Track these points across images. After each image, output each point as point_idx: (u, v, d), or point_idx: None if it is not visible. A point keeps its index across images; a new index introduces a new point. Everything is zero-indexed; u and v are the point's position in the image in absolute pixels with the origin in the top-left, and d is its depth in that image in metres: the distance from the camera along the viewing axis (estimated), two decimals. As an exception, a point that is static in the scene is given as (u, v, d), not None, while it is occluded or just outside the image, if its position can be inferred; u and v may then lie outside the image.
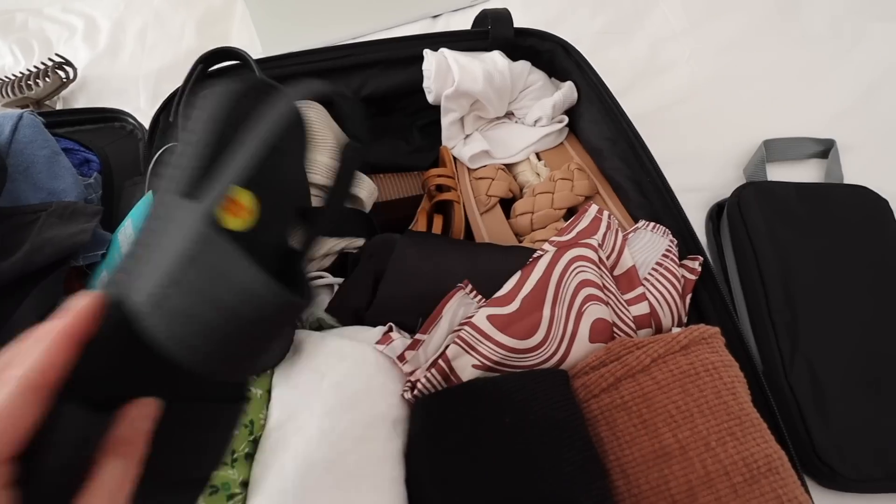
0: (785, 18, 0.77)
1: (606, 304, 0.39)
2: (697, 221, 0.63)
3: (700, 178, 0.65)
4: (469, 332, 0.38)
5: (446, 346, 0.38)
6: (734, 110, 0.70)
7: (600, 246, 0.41)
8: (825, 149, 0.66)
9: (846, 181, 0.65)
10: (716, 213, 0.62)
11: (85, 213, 0.48)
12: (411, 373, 0.38)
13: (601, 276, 0.40)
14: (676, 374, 0.34)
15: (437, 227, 0.51)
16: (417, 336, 0.38)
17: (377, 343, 0.38)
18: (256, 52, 0.75)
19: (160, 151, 0.42)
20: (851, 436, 0.48)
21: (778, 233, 0.58)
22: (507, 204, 0.52)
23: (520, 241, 0.50)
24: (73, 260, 0.46)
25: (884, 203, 0.62)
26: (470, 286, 0.40)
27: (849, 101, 0.71)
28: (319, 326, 0.44)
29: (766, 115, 0.70)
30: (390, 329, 0.40)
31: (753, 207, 0.59)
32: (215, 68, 0.51)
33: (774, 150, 0.65)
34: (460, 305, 0.40)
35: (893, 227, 0.60)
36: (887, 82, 0.72)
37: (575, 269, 0.40)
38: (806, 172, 0.67)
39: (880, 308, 0.54)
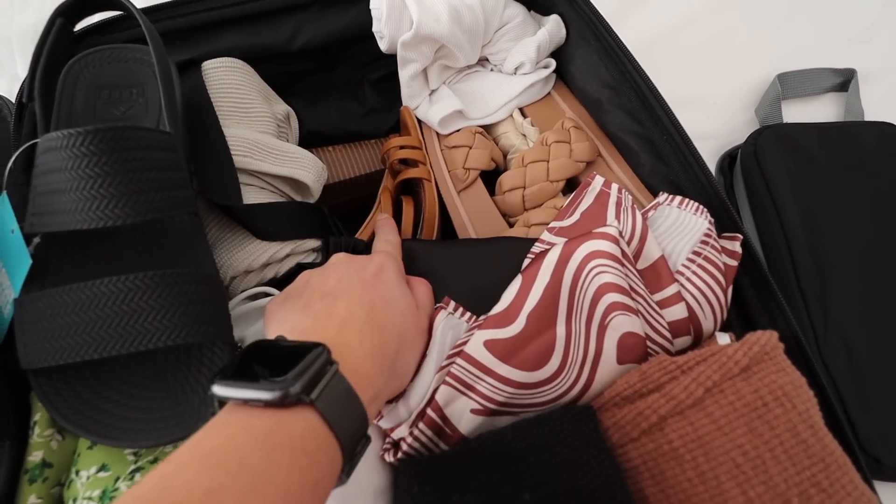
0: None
1: (636, 312, 0.30)
2: (706, 176, 0.54)
3: (705, 123, 0.56)
4: (462, 367, 0.29)
5: (435, 389, 0.28)
6: (738, 39, 0.60)
7: (621, 234, 0.32)
8: (844, 80, 0.58)
9: (867, 117, 0.57)
10: (728, 165, 0.54)
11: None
12: (392, 429, 0.28)
13: (626, 275, 0.31)
14: (739, 409, 0.26)
15: (408, 213, 0.41)
16: None
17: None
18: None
19: (19, 151, 0.30)
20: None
21: (801, 186, 0.50)
22: (489, 176, 0.42)
23: (510, 224, 0.40)
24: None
25: (912, 141, 0.54)
26: (453, 303, 0.31)
27: (866, 20, 0.62)
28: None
29: (774, 42, 0.60)
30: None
31: (773, 157, 0.51)
32: (87, 25, 0.38)
33: (790, 84, 0.56)
34: (447, 330, 0.30)
35: (925, 169, 0.53)
36: (906, -3, 0.63)
37: (592, 269, 0.31)
38: (822, 110, 0.58)
39: (917, 265, 0.48)
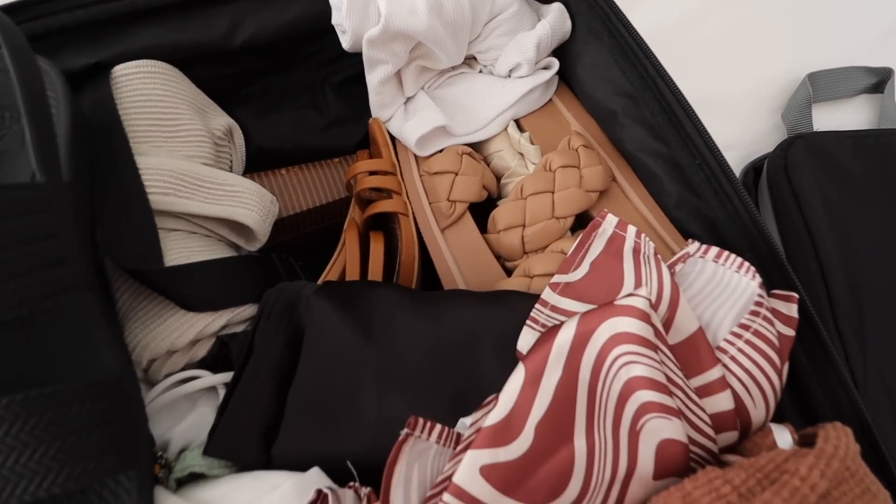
0: None
1: (677, 413, 0.23)
2: (726, 192, 0.47)
3: (725, 131, 0.48)
4: None
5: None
6: (760, 32, 0.53)
7: (653, 306, 0.25)
8: (879, 80, 0.51)
9: (902, 120, 0.50)
10: (752, 179, 0.47)
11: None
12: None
13: (661, 364, 0.23)
14: (825, 558, 0.19)
15: (377, 255, 0.33)
16: None
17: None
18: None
19: None
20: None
21: (837, 205, 0.43)
22: (480, 207, 0.34)
23: (506, 271, 0.32)
24: None
25: (956, 152, 0.48)
26: (421, 423, 0.23)
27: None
28: (198, 477, 0.26)
29: (800, 36, 0.53)
30: (319, 500, 0.23)
31: (804, 172, 0.44)
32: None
33: (821, 85, 0.49)
34: (413, 462, 0.23)
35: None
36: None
37: (617, 357, 0.23)
38: (853, 115, 0.52)
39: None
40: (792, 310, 0.28)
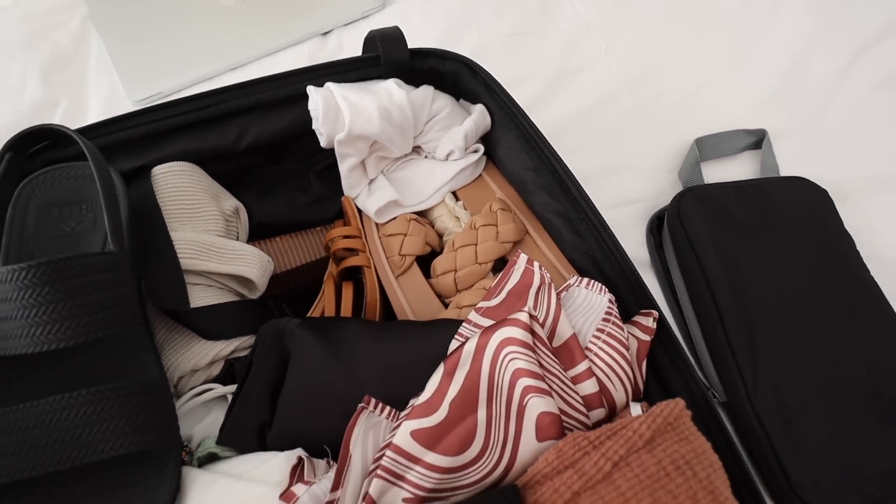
0: (697, 1, 0.73)
1: (549, 393, 0.32)
2: (637, 238, 0.58)
3: (634, 188, 0.60)
4: (392, 458, 0.30)
5: (368, 485, 0.30)
6: (659, 107, 0.66)
7: (534, 318, 0.35)
8: (757, 139, 0.63)
9: (781, 171, 0.62)
10: (656, 226, 0.58)
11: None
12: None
13: (537, 360, 0.33)
14: (643, 480, 0.28)
15: (347, 299, 0.43)
16: (330, 496, 0.30)
17: (281, 499, 0.30)
18: (120, 96, 0.64)
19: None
20: (827, 465, 0.44)
21: (724, 243, 0.53)
22: (428, 259, 0.45)
23: (444, 305, 0.43)
24: None
25: (822, 192, 0.59)
26: (373, 402, 0.33)
27: (773, 83, 0.68)
28: (214, 458, 0.35)
29: (693, 111, 0.66)
30: (300, 464, 0.32)
31: (694, 218, 0.54)
32: (38, 148, 0.41)
33: (707, 147, 0.61)
34: (367, 431, 0.32)
35: (836, 218, 0.58)
36: (804, 61, 0.69)
37: (506, 355, 0.33)
38: (740, 167, 0.63)
39: (835, 312, 0.51)
40: (650, 322, 0.38)
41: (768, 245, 0.54)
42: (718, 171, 0.62)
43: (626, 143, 0.62)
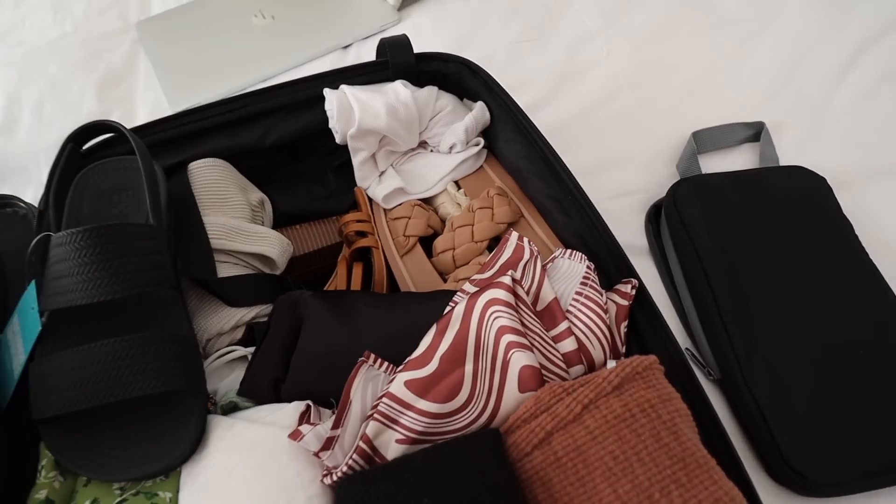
0: (698, 4, 0.76)
1: (530, 348, 0.36)
2: (637, 226, 0.60)
3: (634, 180, 0.63)
4: (387, 404, 0.34)
5: (366, 427, 0.34)
6: (660, 105, 0.68)
7: (517, 282, 0.38)
8: (756, 132, 0.65)
9: (782, 162, 0.63)
10: (654, 215, 0.60)
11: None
12: (334, 466, 0.34)
13: (519, 318, 0.37)
14: (610, 420, 0.31)
15: (357, 276, 0.48)
16: (330, 433, 0.34)
17: (289, 437, 0.34)
18: (164, 108, 0.72)
19: (33, 242, 0.38)
20: (820, 437, 0.46)
21: (719, 228, 0.56)
22: (430, 241, 0.49)
23: (445, 281, 0.47)
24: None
25: (820, 180, 0.60)
26: (373, 357, 0.37)
27: (773, 80, 0.70)
28: (235, 407, 0.40)
29: (693, 106, 0.68)
30: (307, 410, 0.36)
31: (690, 204, 0.57)
32: (92, 144, 0.47)
33: (704, 140, 0.64)
34: (367, 382, 0.36)
35: (834, 204, 0.59)
36: (806, 56, 0.71)
37: (492, 314, 0.37)
38: (741, 159, 0.65)
39: (833, 293, 0.53)
40: (628, 288, 0.41)
41: (764, 229, 0.56)
42: (717, 163, 0.64)
43: (626, 139, 0.65)
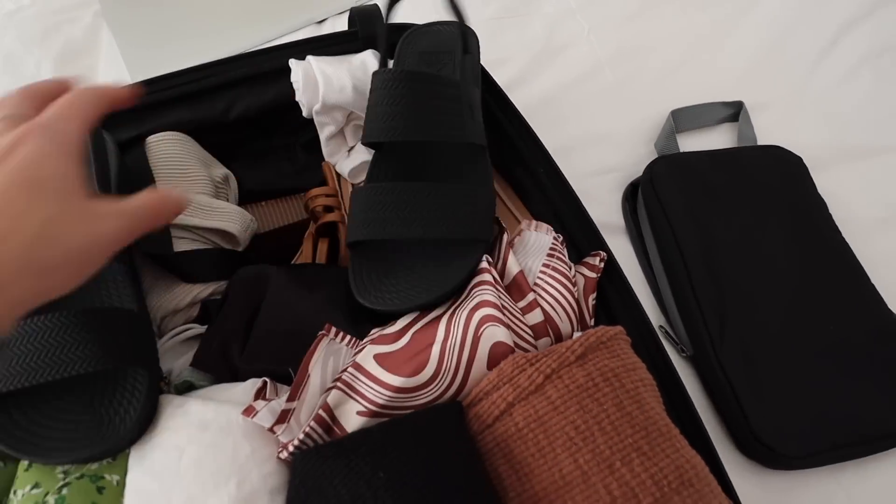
0: (680, -17, 0.75)
1: (507, 325, 0.34)
2: (614, 204, 0.60)
3: (612, 158, 0.62)
4: (352, 374, 0.33)
5: (327, 395, 0.33)
6: (639, 84, 0.67)
7: (491, 264, 0.37)
8: (735, 111, 0.64)
9: (760, 142, 0.63)
10: (631, 194, 0.59)
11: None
12: (288, 442, 0.32)
13: (499, 295, 0.35)
14: (573, 390, 0.30)
15: (322, 252, 0.46)
16: (285, 406, 0.33)
17: (242, 414, 0.32)
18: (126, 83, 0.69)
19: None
20: (789, 411, 0.45)
21: (695, 205, 0.55)
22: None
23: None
24: None
25: (797, 160, 0.60)
26: (334, 330, 0.36)
27: (753, 60, 0.69)
28: (190, 386, 0.38)
29: (673, 85, 0.67)
30: (263, 387, 0.35)
31: (667, 183, 0.56)
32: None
33: (683, 119, 0.63)
34: (328, 356, 0.35)
35: (809, 184, 0.59)
36: (787, 38, 0.70)
37: (473, 294, 0.35)
38: (720, 138, 0.64)
39: (805, 271, 0.52)
40: (597, 261, 0.40)
41: (739, 208, 0.55)
42: (695, 143, 0.63)
43: (605, 116, 0.65)
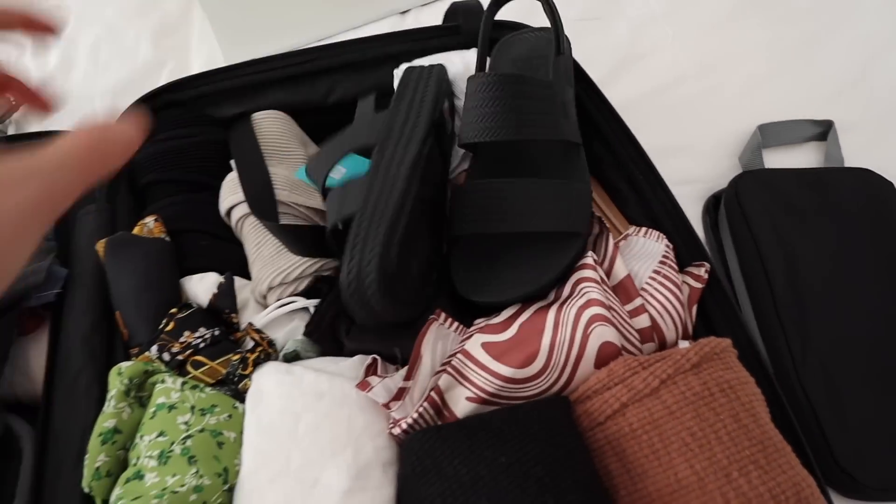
0: (770, -6, 0.74)
1: (615, 326, 0.35)
2: (693, 215, 0.59)
3: (693, 169, 0.61)
4: (461, 361, 0.34)
5: (438, 378, 0.34)
6: (724, 95, 0.67)
7: (595, 261, 0.38)
8: (823, 130, 0.63)
9: (847, 164, 0.62)
10: (713, 206, 0.59)
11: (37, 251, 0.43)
12: (402, 418, 0.34)
13: (606, 295, 0.36)
14: (689, 397, 0.31)
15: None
16: (402, 384, 0.34)
17: (357, 387, 0.34)
18: (218, 61, 0.71)
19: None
20: (872, 440, 0.45)
21: (780, 224, 0.54)
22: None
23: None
24: (25, 301, 0.42)
25: (887, 185, 0.59)
26: (443, 315, 0.37)
27: (844, 78, 0.68)
28: (296, 356, 0.40)
29: (759, 98, 0.66)
30: (374, 363, 0.36)
31: (753, 198, 0.56)
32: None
33: (770, 134, 0.62)
34: (437, 339, 0.36)
35: (899, 209, 0.57)
36: (882, 56, 0.69)
37: (581, 288, 0.36)
38: (804, 157, 0.63)
39: (891, 298, 0.51)
40: (702, 272, 0.40)
41: (826, 230, 0.55)
42: (780, 159, 0.62)
43: (688, 126, 0.64)
